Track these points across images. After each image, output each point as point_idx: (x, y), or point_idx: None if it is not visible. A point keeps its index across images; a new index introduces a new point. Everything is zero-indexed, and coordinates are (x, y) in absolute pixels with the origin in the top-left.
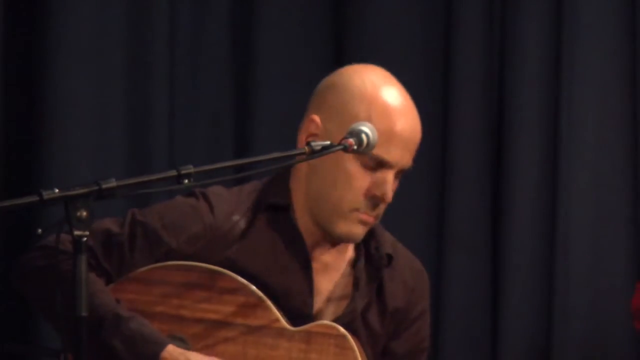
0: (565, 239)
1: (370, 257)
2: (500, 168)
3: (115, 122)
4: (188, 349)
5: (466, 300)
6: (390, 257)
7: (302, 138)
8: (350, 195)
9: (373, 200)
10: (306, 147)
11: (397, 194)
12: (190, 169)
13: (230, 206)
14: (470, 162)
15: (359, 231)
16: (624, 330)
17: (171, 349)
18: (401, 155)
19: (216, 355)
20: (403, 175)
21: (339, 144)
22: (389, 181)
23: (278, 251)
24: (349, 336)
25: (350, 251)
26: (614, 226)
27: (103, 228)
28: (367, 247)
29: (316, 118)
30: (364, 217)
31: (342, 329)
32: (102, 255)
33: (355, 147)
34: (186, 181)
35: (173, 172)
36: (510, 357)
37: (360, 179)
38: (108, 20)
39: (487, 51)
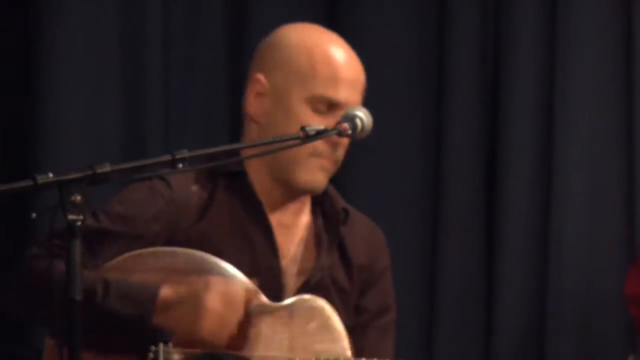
0: (559, 225)
1: (326, 215)
2: (495, 156)
3: (110, 107)
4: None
5: (460, 287)
6: (346, 212)
7: (249, 99)
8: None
9: (330, 144)
10: (301, 132)
11: (391, 182)
12: (184, 153)
13: (186, 178)
14: (464, 151)
15: (321, 179)
16: (618, 316)
17: (168, 286)
18: (349, 94)
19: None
20: (396, 164)
21: (334, 129)
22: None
23: (239, 219)
24: (330, 307)
25: (307, 211)
26: (608, 212)
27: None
28: (322, 205)
29: (260, 77)
30: (323, 162)
31: (321, 300)
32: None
33: (349, 131)
34: (180, 165)
35: (167, 157)
36: (504, 342)
37: (313, 124)
38: (103, 6)
39: (481, 42)
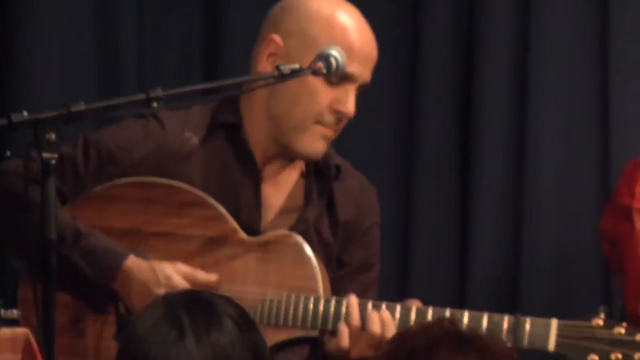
0: (534, 162)
1: (319, 170)
2: (470, 99)
3: (85, 44)
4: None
5: (434, 225)
6: (338, 168)
7: (261, 59)
8: (315, 109)
9: (337, 115)
10: (275, 71)
11: (366, 122)
12: (159, 92)
13: (181, 124)
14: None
15: (321, 147)
16: (593, 252)
17: (133, 258)
18: (362, 70)
19: None
20: (372, 100)
21: (309, 68)
22: (351, 96)
23: (229, 168)
24: (305, 244)
25: (300, 166)
26: (584, 150)
27: (62, 152)
28: (316, 161)
29: (276, 37)
30: (326, 131)
31: (298, 237)
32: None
33: (324, 71)
34: (155, 104)
35: (142, 96)
36: (478, 286)
37: (323, 94)
38: None
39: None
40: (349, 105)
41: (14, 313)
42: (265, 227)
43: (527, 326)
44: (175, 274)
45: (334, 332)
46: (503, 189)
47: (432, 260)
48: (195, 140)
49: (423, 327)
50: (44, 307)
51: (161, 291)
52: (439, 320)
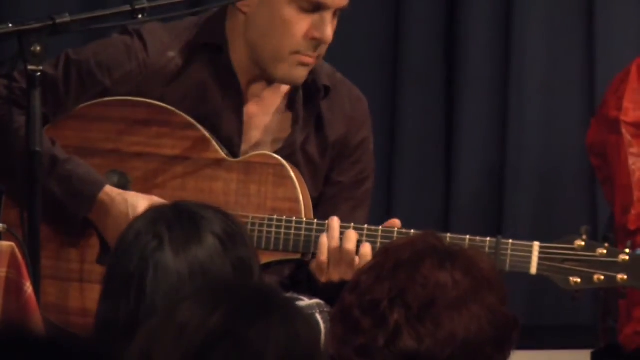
0: (519, 72)
1: (307, 90)
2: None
3: None
4: (128, 182)
5: (420, 134)
6: (327, 89)
7: None
8: (290, 40)
9: (314, 42)
10: None
11: (349, 32)
12: (144, 3)
13: (165, 43)
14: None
15: (301, 73)
16: (580, 165)
17: (109, 189)
18: None
19: (156, 188)
20: (355, 14)
21: None
22: (327, 21)
23: (211, 89)
24: (287, 165)
25: (285, 86)
26: (569, 62)
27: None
28: (304, 80)
29: None
30: (305, 59)
31: (280, 158)
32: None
33: None
34: (140, 16)
35: (127, 7)
36: (464, 189)
37: (298, 23)
38: None
39: None
40: (325, 32)
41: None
42: (250, 148)
43: (509, 249)
44: (144, 205)
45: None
46: (488, 102)
47: (416, 176)
48: (178, 60)
49: (408, 241)
50: (29, 220)
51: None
52: (424, 235)
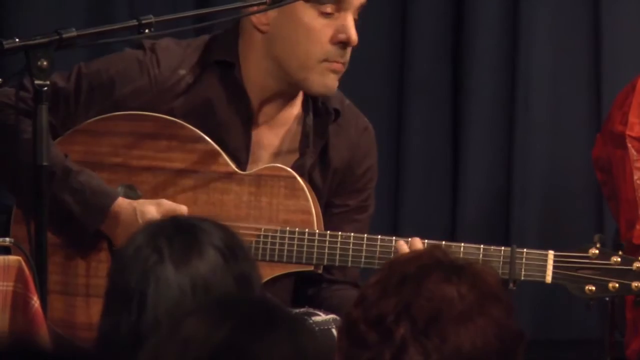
0: (526, 87)
1: (317, 112)
2: (461, 17)
3: None
4: (138, 196)
5: (427, 145)
6: (337, 112)
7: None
8: (316, 47)
9: (340, 45)
10: None
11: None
12: (150, 18)
13: (177, 60)
14: (431, 13)
15: (333, 82)
16: (586, 180)
17: (121, 201)
18: None
19: None
20: (361, 24)
21: None
22: (350, 23)
23: (221, 107)
24: (298, 177)
25: (297, 106)
26: (576, 76)
27: (49, 81)
28: (314, 102)
29: None
30: (334, 65)
31: (291, 171)
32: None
33: None
34: (147, 31)
35: (134, 22)
36: (471, 204)
37: (322, 29)
38: None
39: None
40: (350, 33)
41: (7, 241)
42: (257, 167)
43: (524, 258)
44: (153, 212)
45: (329, 267)
46: (494, 115)
47: (423, 190)
48: (189, 78)
49: (414, 255)
50: (36, 234)
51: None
52: (430, 249)
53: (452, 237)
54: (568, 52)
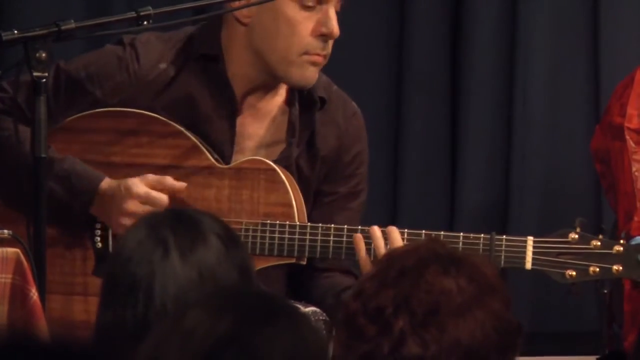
0: (524, 81)
1: (303, 101)
2: (459, 12)
3: None
4: None
5: (425, 140)
6: (323, 101)
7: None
8: (297, 40)
9: (322, 38)
10: None
11: (352, 38)
12: (149, 10)
13: (158, 54)
14: (430, 9)
15: (312, 74)
16: (585, 172)
17: (108, 180)
18: None
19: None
20: (359, 20)
21: None
22: (332, 16)
23: (204, 99)
24: (279, 169)
25: (282, 96)
26: (574, 69)
27: (27, 80)
28: (299, 91)
29: None
30: (315, 58)
31: (271, 163)
32: (26, 107)
33: None
34: (145, 23)
35: (132, 14)
36: (469, 196)
37: (303, 22)
38: None
39: None
40: (331, 26)
41: (5, 233)
42: (242, 158)
43: (503, 245)
44: (137, 183)
45: (311, 260)
46: (492, 109)
47: (421, 185)
48: (170, 71)
49: (412, 247)
50: (34, 226)
51: (126, 204)
52: (428, 241)
53: (451, 230)
54: (566, 46)
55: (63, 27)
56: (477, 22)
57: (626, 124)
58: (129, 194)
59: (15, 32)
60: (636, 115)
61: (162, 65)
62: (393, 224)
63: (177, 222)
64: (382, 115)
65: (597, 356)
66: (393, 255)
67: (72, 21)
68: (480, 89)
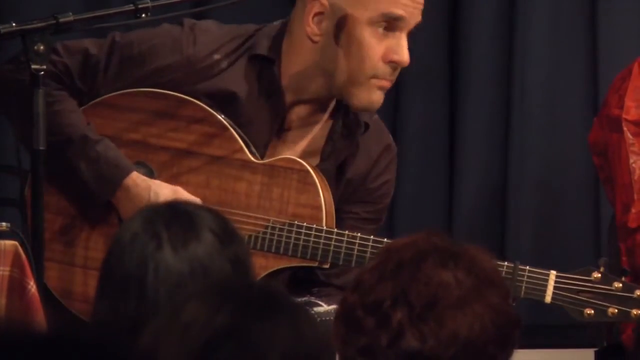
0: (522, 73)
1: (347, 122)
2: (458, 7)
3: None
4: (153, 176)
5: (424, 139)
6: (367, 126)
7: (307, 18)
8: (369, 64)
9: (392, 65)
10: None
11: None
12: (147, 3)
13: (215, 44)
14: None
15: (379, 98)
16: (583, 165)
17: (135, 175)
18: (413, 7)
19: (180, 184)
20: None
21: None
22: (404, 43)
23: (249, 100)
24: (312, 171)
25: (327, 112)
26: (572, 61)
27: (82, 47)
28: (346, 111)
29: None
30: (383, 82)
31: (305, 164)
32: (77, 74)
33: None
34: (143, 15)
35: (130, 7)
36: (467, 193)
37: (375, 46)
38: None
39: None
40: (404, 54)
41: (3, 225)
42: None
43: (525, 277)
44: (168, 197)
45: (333, 265)
46: (490, 102)
47: (420, 183)
48: (223, 64)
49: (410, 240)
50: (33, 219)
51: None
52: (426, 234)
53: (449, 228)
54: (565, 37)
55: (61, 20)
56: (475, 21)
57: (624, 116)
58: (157, 202)
59: (14, 24)
60: (634, 107)
61: (216, 56)
62: (391, 223)
63: (172, 217)
64: (380, 114)
65: (595, 349)
66: (391, 248)
67: (70, 14)
68: (478, 86)
